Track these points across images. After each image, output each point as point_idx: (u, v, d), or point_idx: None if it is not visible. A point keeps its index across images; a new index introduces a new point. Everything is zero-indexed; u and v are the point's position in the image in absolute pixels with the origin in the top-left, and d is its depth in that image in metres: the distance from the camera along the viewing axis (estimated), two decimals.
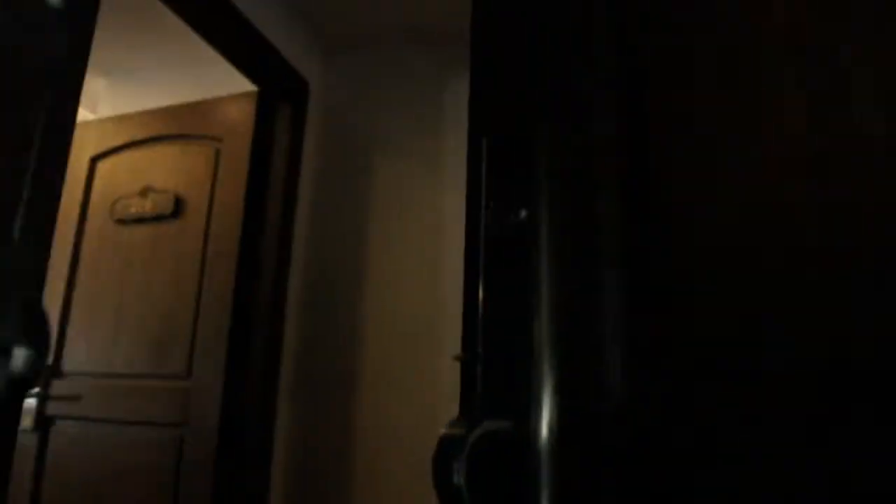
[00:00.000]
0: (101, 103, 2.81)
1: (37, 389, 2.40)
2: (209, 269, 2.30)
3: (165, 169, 2.47)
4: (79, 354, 2.42)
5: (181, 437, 2.18)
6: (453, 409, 1.93)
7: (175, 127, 2.49)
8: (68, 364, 2.43)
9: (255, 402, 2.22)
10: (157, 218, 2.41)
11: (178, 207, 2.40)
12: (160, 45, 2.62)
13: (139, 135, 2.53)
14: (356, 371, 2.28)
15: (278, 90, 2.46)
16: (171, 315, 2.31)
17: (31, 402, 2.40)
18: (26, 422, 2.40)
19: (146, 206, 2.43)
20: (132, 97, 2.74)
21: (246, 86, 2.41)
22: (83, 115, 2.77)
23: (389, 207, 2.41)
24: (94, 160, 2.58)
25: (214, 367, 2.20)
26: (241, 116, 2.40)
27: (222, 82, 2.47)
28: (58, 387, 2.40)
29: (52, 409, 2.39)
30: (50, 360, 2.45)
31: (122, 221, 2.46)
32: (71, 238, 2.52)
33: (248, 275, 2.30)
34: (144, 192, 2.45)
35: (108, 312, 2.41)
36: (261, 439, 2.21)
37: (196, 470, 2.12)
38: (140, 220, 2.43)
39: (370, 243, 2.40)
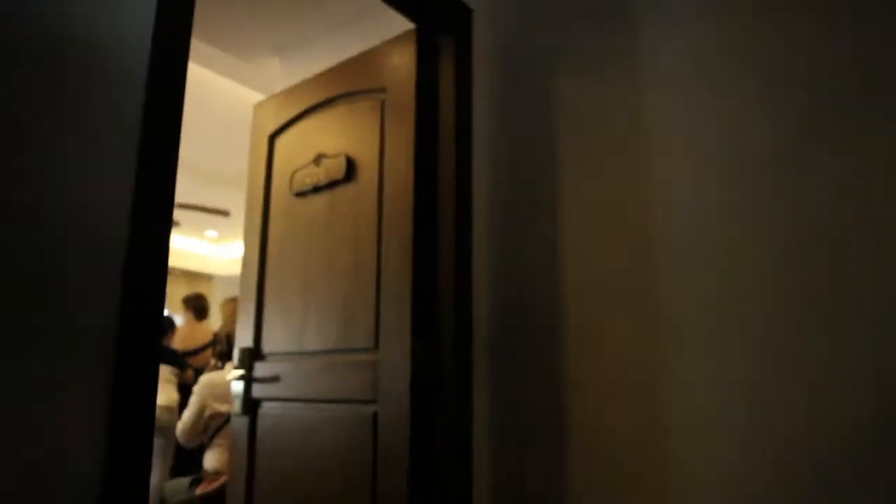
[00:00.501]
0: (277, 82, 2.79)
1: (241, 372, 2.39)
2: (386, 231, 2.08)
3: (335, 132, 2.32)
4: (275, 335, 2.37)
5: (375, 413, 1.98)
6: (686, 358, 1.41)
7: (338, 87, 2.34)
8: (266, 346, 2.38)
9: (449, 364, 1.95)
10: (331, 184, 2.26)
11: (350, 170, 2.22)
12: (320, 7, 2.51)
13: (307, 103, 2.42)
14: (558, 327, 1.88)
15: (438, 23, 2.18)
16: (354, 284, 2.14)
17: (238, 387, 2.39)
18: (236, 406, 2.40)
19: (320, 175, 2.30)
20: (304, 67, 2.65)
21: (405, 26, 2.18)
22: (259, 98, 2.77)
23: (582, 131, 1.97)
24: (272, 138, 2.53)
25: (401, 335, 1.97)
26: (402, 60, 2.16)
27: (385, 29, 2.26)
28: (259, 369, 2.36)
29: (257, 391, 2.35)
30: (251, 343, 2.43)
31: (300, 194, 2.36)
32: (259, 221, 2.50)
33: (427, 232, 2.05)
34: (318, 160, 2.32)
35: (296, 290, 2.32)
36: (458, 406, 1.93)
37: (392, 444, 1.91)
38: (316, 188, 2.30)
39: (561, 169, 1.97)
